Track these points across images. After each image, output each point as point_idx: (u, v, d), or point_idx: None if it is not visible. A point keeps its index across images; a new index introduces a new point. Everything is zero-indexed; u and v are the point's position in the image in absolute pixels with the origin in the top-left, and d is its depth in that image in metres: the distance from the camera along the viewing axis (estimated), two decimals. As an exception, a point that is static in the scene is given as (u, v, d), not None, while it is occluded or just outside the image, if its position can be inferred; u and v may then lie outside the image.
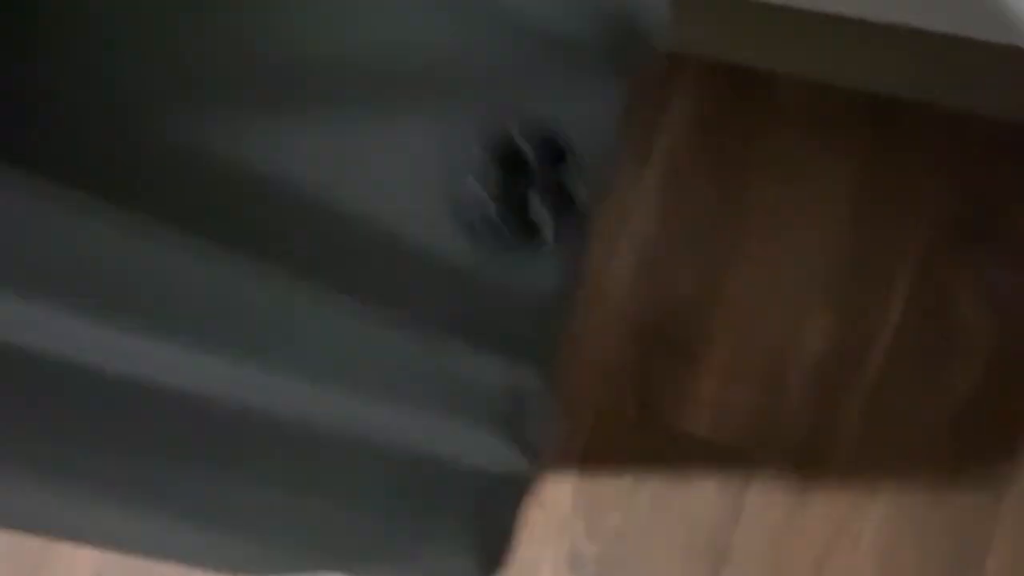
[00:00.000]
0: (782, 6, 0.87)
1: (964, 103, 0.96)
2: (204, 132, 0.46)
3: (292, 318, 0.45)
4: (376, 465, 0.48)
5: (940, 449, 0.90)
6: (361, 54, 0.50)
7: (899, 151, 0.96)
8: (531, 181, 0.51)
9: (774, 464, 0.92)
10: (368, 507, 0.48)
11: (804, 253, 0.96)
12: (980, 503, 0.89)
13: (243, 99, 0.48)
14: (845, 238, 0.96)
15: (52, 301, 0.39)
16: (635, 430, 0.95)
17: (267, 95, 0.48)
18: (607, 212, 0.57)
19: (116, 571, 0.98)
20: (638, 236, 0.98)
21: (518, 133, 0.50)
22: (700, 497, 0.93)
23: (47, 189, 0.40)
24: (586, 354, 0.97)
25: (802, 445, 0.92)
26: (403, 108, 0.50)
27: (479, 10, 0.52)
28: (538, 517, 0.94)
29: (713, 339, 0.95)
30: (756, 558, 0.91)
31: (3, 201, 0.38)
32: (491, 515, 0.49)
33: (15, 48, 0.43)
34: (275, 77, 0.48)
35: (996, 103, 0.95)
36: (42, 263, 0.39)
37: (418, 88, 0.51)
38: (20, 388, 0.42)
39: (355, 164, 0.49)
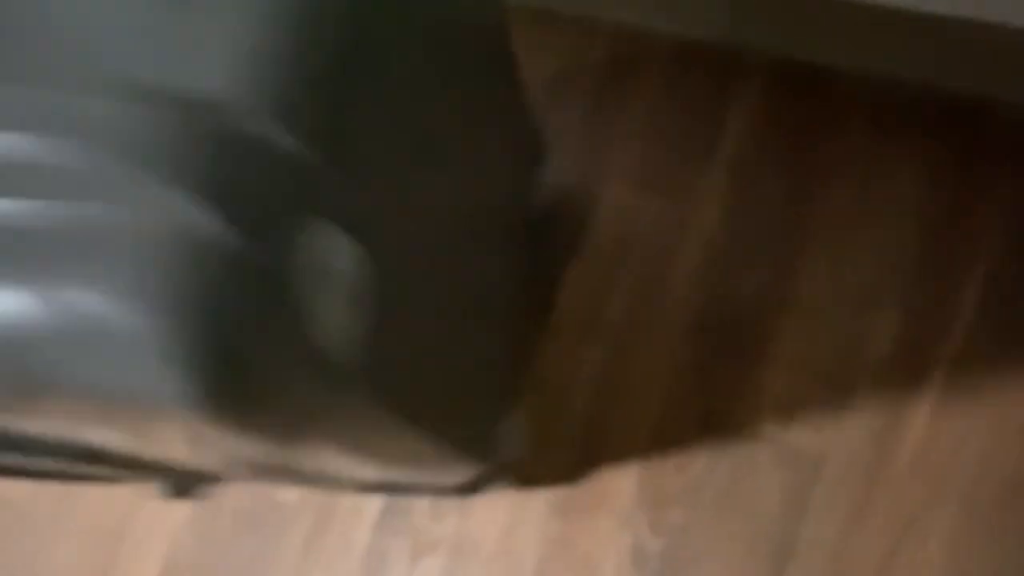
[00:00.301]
0: (850, 2, 0.87)
1: (1037, 100, 0.95)
2: None
3: None
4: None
5: (1010, 449, 0.89)
6: None
7: (969, 149, 0.96)
8: None
9: (840, 461, 0.92)
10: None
11: (872, 252, 0.95)
12: (1052, 503, 0.88)
13: None
14: (913, 237, 0.95)
15: None
16: (699, 425, 0.95)
17: None
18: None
19: (186, 565, 1.01)
20: (704, 233, 0.98)
21: None
22: (765, 493, 0.92)
23: None
24: (652, 349, 0.97)
25: (869, 443, 0.92)
26: None
27: None
28: (601, 511, 0.95)
29: (780, 336, 0.95)
30: (821, 555, 0.91)
31: None
32: (163, 271, 0.35)
33: None
34: None
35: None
36: None
37: None
38: None
39: None
